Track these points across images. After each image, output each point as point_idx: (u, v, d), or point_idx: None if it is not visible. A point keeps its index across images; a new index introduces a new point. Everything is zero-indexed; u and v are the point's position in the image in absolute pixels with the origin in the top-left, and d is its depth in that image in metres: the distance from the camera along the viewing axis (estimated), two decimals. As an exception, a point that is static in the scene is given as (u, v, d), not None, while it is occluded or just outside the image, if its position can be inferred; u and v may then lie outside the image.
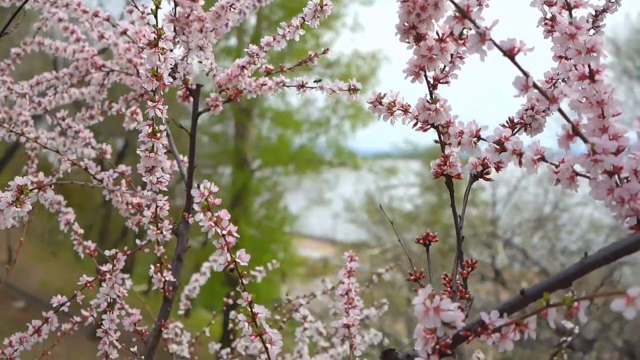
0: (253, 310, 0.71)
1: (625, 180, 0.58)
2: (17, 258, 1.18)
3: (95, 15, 1.17)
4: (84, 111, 1.29)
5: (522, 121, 0.76)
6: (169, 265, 1.05)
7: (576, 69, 0.61)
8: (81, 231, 1.17)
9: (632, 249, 0.53)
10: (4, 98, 1.26)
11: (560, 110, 0.56)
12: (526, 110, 0.75)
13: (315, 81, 1.03)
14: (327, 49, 1.10)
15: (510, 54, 0.56)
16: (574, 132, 0.57)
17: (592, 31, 0.79)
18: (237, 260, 0.70)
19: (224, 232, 0.69)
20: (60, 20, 1.25)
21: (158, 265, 1.04)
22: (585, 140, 0.56)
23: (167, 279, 1.05)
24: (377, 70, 11.22)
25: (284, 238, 11.68)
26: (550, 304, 0.52)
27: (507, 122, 0.76)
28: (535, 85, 0.55)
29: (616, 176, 0.58)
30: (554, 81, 0.77)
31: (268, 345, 0.71)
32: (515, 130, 0.76)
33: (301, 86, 1.04)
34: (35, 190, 0.71)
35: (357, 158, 11.98)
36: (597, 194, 0.57)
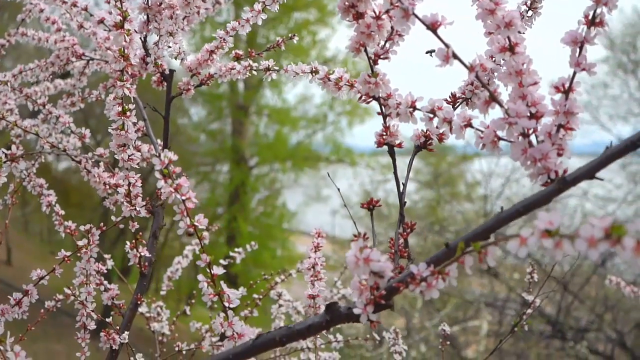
0: (212, 271, 0.77)
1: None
2: (1, 239, 1.23)
3: (74, 5, 1.22)
4: (65, 98, 1.35)
5: (463, 96, 0.81)
6: (144, 241, 1.10)
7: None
8: (62, 212, 1.23)
9: (542, 202, 0.59)
10: (-12, 87, 1.31)
11: (478, 79, 0.62)
12: (467, 85, 0.81)
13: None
14: (295, 35, 1.15)
15: (432, 27, 0.61)
16: (492, 98, 0.62)
17: (530, 12, 0.85)
18: (196, 224, 0.75)
19: (184, 197, 0.74)
20: (41, 10, 1.31)
21: (134, 241, 1.10)
22: (501, 105, 0.62)
23: (142, 254, 1.10)
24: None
25: (282, 235, 11.73)
26: (466, 251, 0.57)
27: (449, 96, 0.82)
28: (455, 56, 0.61)
29: (534, 138, 0.64)
30: (493, 58, 0.82)
31: (226, 304, 0.77)
32: (457, 104, 0.81)
33: (267, 69, 1.09)
34: (8, 162, 0.77)
35: (354, 154, 12.04)
36: (513, 154, 0.62)
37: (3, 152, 0.76)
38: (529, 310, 1.22)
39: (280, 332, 0.69)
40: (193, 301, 1.60)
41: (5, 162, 0.76)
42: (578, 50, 0.63)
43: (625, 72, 9.56)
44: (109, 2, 1.22)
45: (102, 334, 1.08)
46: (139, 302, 1.13)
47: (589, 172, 0.57)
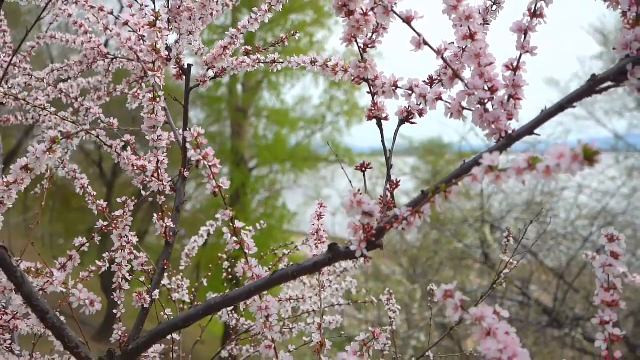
0: (234, 225, 0.93)
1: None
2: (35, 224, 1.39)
3: (101, 10, 1.39)
4: (92, 93, 1.52)
5: (439, 78, 0.98)
6: (170, 213, 1.27)
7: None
8: (94, 193, 1.39)
9: (500, 149, 0.75)
10: (23, 84, 1.48)
11: (444, 59, 0.79)
12: (441, 69, 0.97)
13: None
14: (296, 31, 1.32)
15: (408, 20, 0.78)
16: (455, 75, 0.79)
17: (494, 7, 1.02)
18: (221, 184, 0.91)
19: (210, 164, 0.91)
20: (70, 15, 1.48)
21: (160, 213, 1.26)
22: (462, 80, 0.78)
23: (168, 225, 1.27)
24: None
25: (283, 236, 11.88)
26: (435, 192, 0.74)
27: (427, 79, 0.98)
28: (425, 42, 0.78)
29: (490, 106, 0.80)
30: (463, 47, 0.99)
31: (246, 251, 0.93)
32: (434, 85, 0.98)
33: (273, 62, 1.26)
34: (64, 140, 0.93)
35: (353, 154, 12.20)
36: (474, 119, 0.79)
37: (59, 131, 0.92)
38: (506, 270, 1.39)
39: (292, 268, 0.86)
40: (210, 274, 1.77)
41: (62, 139, 0.92)
42: (523, 36, 0.79)
43: (619, 67, 9.70)
44: (131, 6, 1.39)
45: (134, 294, 1.25)
46: (165, 267, 1.30)
47: (529, 130, 0.74)
